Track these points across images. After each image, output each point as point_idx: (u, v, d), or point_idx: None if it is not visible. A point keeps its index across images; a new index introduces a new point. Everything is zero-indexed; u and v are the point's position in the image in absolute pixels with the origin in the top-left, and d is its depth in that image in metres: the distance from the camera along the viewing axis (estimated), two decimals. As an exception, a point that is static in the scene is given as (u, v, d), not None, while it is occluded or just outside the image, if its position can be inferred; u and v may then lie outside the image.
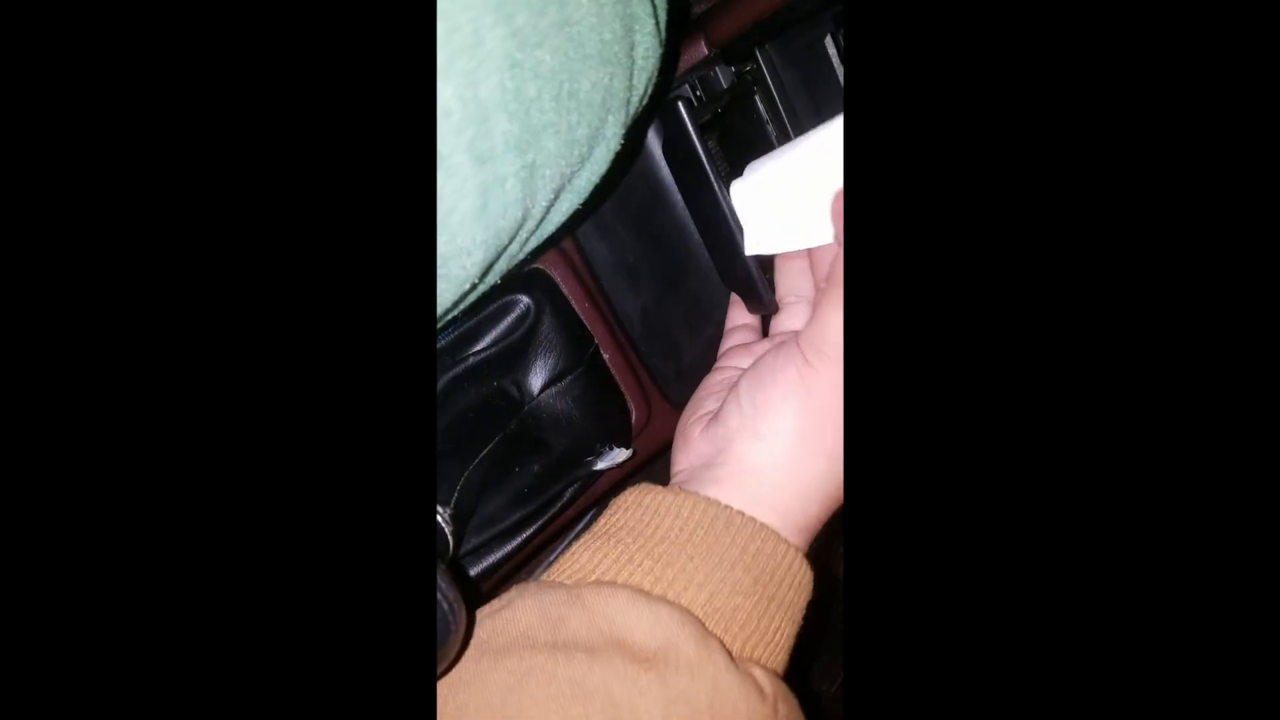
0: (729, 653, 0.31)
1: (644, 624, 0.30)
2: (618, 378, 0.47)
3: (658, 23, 0.32)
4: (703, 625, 0.31)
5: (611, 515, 0.36)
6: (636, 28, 0.31)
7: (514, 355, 0.44)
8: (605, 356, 0.46)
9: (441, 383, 0.42)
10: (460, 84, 0.26)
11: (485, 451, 0.42)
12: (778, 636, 0.34)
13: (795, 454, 0.35)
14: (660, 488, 0.36)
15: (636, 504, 0.36)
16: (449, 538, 0.40)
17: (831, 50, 0.46)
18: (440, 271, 0.29)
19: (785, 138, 0.48)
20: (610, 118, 0.31)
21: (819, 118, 0.48)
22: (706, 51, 0.46)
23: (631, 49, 0.31)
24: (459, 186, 0.27)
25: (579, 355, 0.45)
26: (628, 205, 0.47)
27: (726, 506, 0.34)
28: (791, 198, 0.39)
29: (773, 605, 0.34)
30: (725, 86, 0.47)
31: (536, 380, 0.44)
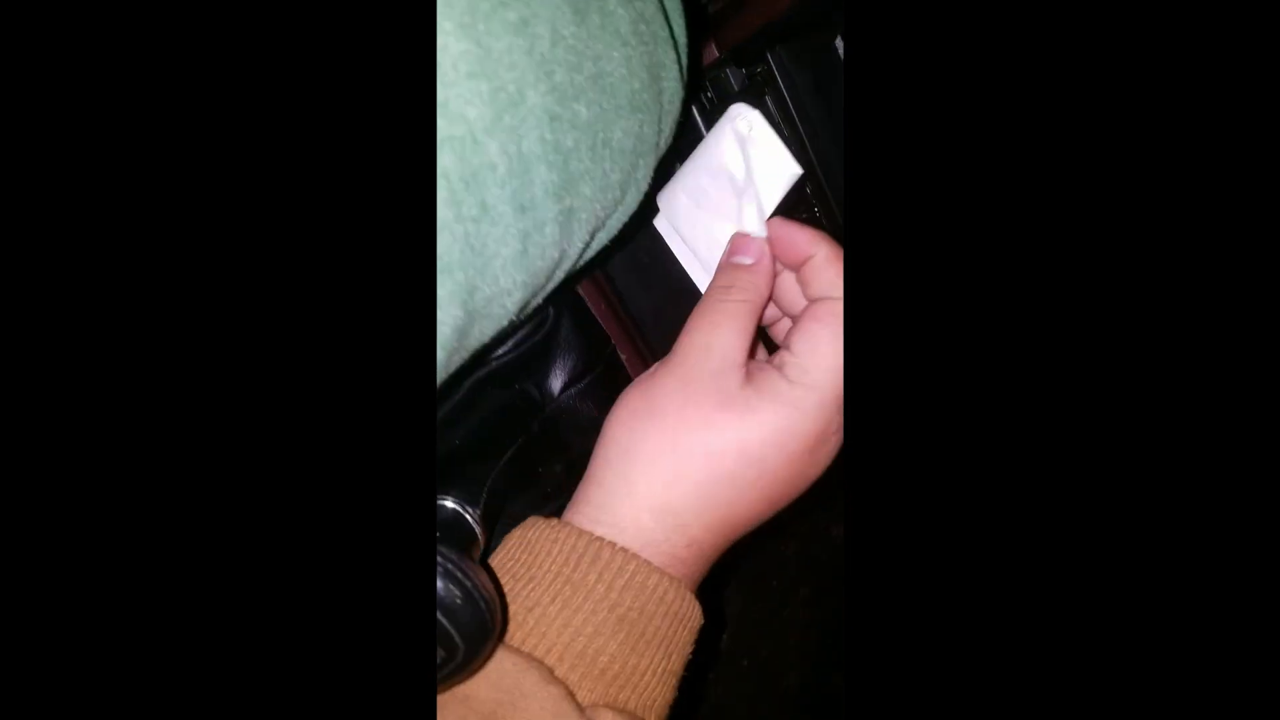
0: (574, 699, 0.32)
1: (489, 676, 0.31)
2: (634, 377, 0.48)
3: (680, 67, 0.33)
4: (549, 673, 0.32)
5: (498, 554, 0.37)
6: (663, 75, 0.32)
7: (535, 357, 0.45)
8: (622, 356, 0.48)
9: (466, 386, 0.43)
10: (505, 139, 0.27)
11: (510, 454, 0.43)
12: (648, 675, 0.34)
13: (621, 430, 0.38)
14: (544, 521, 0.37)
15: (520, 540, 0.37)
16: (479, 539, 0.42)
17: (843, 52, 0.47)
18: (483, 311, 0.30)
19: (796, 139, 0.49)
20: (641, 162, 0.32)
21: (830, 119, 0.49)
22: (717, 54, 0.46)
23: (659, 95, 0.32)
24: (502, 234, 0.29)
25: (597, 355, 0.46)
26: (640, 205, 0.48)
27: (595, 539, 0.35)
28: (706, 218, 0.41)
29: (641, 642, 0.34)
30: (736, 89, 0.48)
31: (557, 382, 0.45)
